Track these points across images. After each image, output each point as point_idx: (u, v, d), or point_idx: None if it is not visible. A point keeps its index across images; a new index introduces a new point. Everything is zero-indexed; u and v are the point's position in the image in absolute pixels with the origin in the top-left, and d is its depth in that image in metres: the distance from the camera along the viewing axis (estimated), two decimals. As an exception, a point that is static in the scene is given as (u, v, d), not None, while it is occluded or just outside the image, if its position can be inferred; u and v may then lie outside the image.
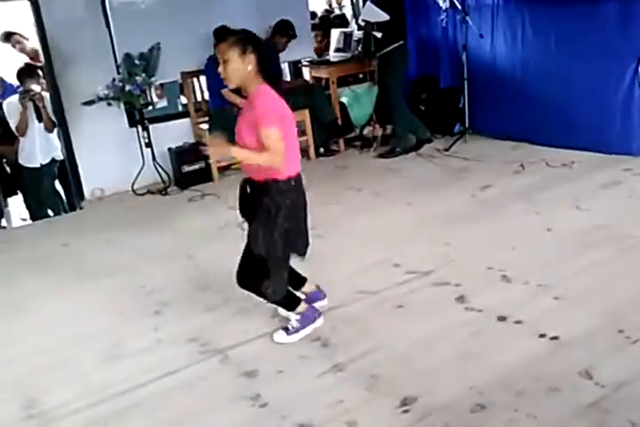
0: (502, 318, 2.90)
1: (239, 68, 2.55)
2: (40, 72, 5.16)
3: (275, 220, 2.64)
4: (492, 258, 3.48)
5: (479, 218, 4.08)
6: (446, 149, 5.56)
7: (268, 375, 2.68)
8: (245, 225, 2.84)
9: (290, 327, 2.91)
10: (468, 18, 5.46)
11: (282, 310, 3.03)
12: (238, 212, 2.86)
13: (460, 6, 5.51)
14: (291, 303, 2.92)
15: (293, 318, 2.91)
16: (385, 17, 5.27)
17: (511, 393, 2.39)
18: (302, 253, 2.85)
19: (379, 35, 5.39)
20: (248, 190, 2.75)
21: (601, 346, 2.63)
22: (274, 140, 2.52)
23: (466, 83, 5.60)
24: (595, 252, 3.46)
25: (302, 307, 2.92)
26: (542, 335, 2.74)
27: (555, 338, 2.71)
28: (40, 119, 5.02)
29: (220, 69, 2.58)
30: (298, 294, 3.01)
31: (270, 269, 2.71)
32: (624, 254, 3.41)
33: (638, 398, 2.29)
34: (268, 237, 2.66)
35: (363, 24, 5.67)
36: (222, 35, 2.69)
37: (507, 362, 2.59)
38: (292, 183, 2.66)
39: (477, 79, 5.61)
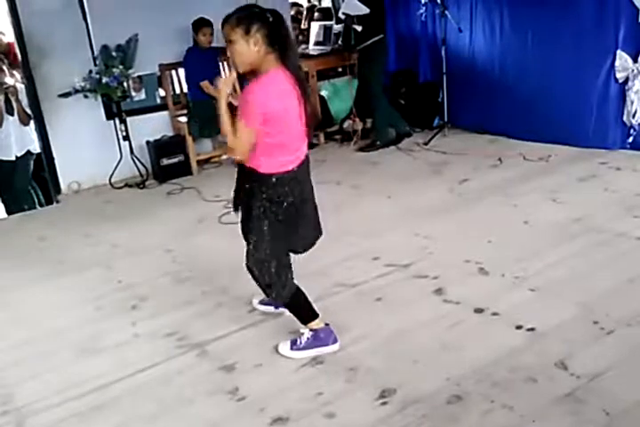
0: (479, 310, 2.93)
1: (245, 50, 2.32)
2: (8, 65, 5.07)
3: (255, 209, 2.51)
4: (469, 251, 3.51)
5: (457, 211, 4.11)
6: (425, 143, 5.59)
7: (246, 369, 2.67)
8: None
9: (297, 342, 2.72)
10: (447, 12, 5.49)
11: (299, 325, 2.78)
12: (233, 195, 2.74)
13: (439, 0, 5.52)
14: (303, 314, 2.72)
15: (306, 334, 2.71)
16: (365, 10, 5.26)
17: (488, 384, 2.41)
18: (300, 252, 2.76)
19: (359, 28, 5.38)
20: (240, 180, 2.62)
21: (576, 337, 2.66)
22: (242, 136, 2.36)
23: (445, 77, 5.62)
24: (571, 244, 3.50)
25: (317, 324, 2.71)
26: (519, 327, 2.76)
27: (531, 329, 2.74)
28: (12, 113, 4.94)
29: (229, 54, 2.39)
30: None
31: (250, 263, 2.59)
32: (599, 247, 3.45)
33: (612, 389, 2.32)
34: (255, 224, 2.54)
35: (343, 17, 5.66)
36: (224, 18, 2.41)
37: (484, 353, 2.61)
38: (273, 180, 2.47)
39: (456, 73, 5.64)
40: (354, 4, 5.30)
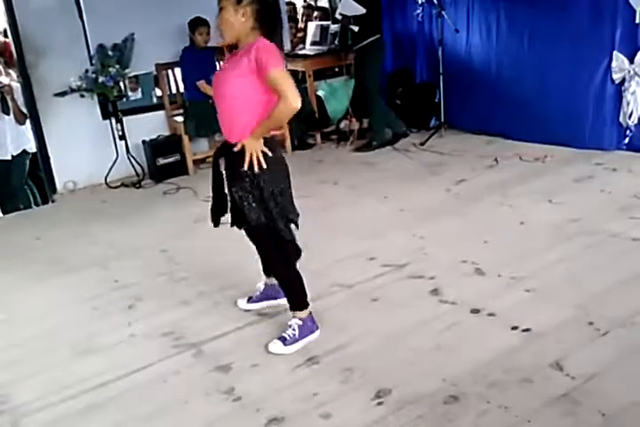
0: (475, 311, 2.93)
1: (232, 18, 2.39)
2: (4, 64, 5.05)
3: (260, 181, 2.48)
4: (465, 251, 3.51)
5: (454, 212, 4.11)
6: (422, 144, 5.59)
7: (242, 369, 2.67)
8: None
9: (287, 337, 2.73)
10: (444, 12, 5.49)
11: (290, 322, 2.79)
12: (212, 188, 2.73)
13: (435, 1, 5.53)
14: (299, 299, 2.75)
15: (294, 324, 2.74)
16: (362, 10, 5.27)
17: (483, 385, 2.42)
18: (296, 222, 2.72)
19: (355, 28, 5.38)
20: (222, 164, 2.59)
21: (572, 338, 2.67)
22: (288, 80, 2.34)
23: (441, 77, 5.62)
24: (567, 245, 3.51)
25: (306, 313, 2.77)
26: (514, 328, 2.77)
27: (527, 330, 2.74)
28: (7, 112, 4.93)
29: (218, 23, 2.44)
30: (265, 281, 3.01)
31: (280, 223, 2.57)
32: (595, 248, 3.45)
33: (608, 390, 2.33)
34: (261, 203, 2.52)
35: (340, 17, 5.66)
36: None
37: (479, 354, 2.61)
38: (275, 140, 2.54)
39: (453, 74, 5.64)
40: (350, 5, 5.31)
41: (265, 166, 2.46)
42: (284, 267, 2.72)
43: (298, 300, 2.78)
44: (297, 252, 2.75)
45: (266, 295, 3.06)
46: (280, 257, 2.70)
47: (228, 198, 2.63)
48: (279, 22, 2.48)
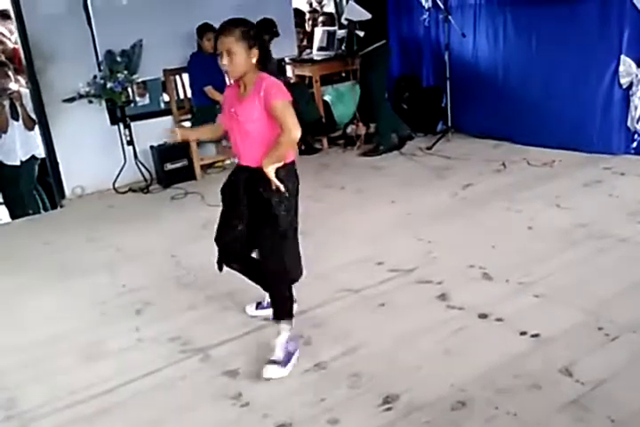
0: (483, 316, 2.92)
1: (244, 62, 2.50)
2: (13, 70, 5.08)
3: (288, 203, 2.60)
4: (473, 256, 3.50)
5: (461, 216, 4.10)
6: (429, 148, 5.58)
7: (249, 374, 2.66)
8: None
9: (277, 359, 2.63)
10: (450, 17, 5.49)
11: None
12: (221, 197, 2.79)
13: (442, 6, 5.54)
14: (287, 308, 2.72)
15: (281, 344, 2.66)
16: (367, 15, 5.27)
17: (492, 390, 2.41)
18: None
19: (361, 33, 5.39)
20: (241, 181, 2.67)
21: (581, 343, 2.65)
22: (289, 111, 2.46)
23: (448, 82, 5.62)
24: (575, 250, 3.49)
25: (291, 325, 2.71)
26: (523, 333, 2.75)
27: (535, 336, 2.73)
28: (17, 118, 4.96)
29: (225, 62, 2.51)
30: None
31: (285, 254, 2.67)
32: (604, 252, 3.44)
33: (617, 396, 2.31)
34: (286, 224, 2.63)
35: (345, 23, 5.67)
36: (223, 26, 2.57)
37: (488, 359, 2.60)
38: (293, 168, 2.63)
39: (459, 78, 5.64)
40: (356, 10, 5.32)
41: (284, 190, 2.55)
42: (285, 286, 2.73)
43: (287, 310, 2.74)
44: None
45: None
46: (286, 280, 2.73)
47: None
48: (269, 51, 2.62)
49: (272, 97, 2.47)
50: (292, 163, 2.63)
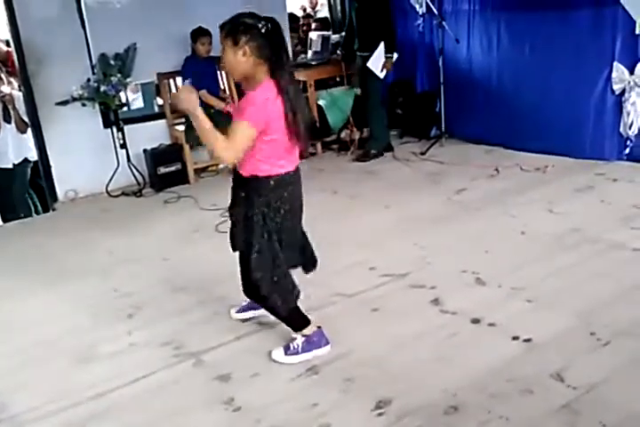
0: (476, 321, 2.92)
1: (233, 60, 2.39)
2: (6, 73, 5.07)
3: (253, 219, 2.50)
4: (466, 261, 3.51)
5: (454, 221, 4.11)
6: (422, 153, 5.60)
7: (242, 379, 2.66)
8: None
9: (291, 347, 2.73)
10: (444, 23, 5.52)
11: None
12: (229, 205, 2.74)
13: (436, 11, 5.56)
14: (295, 323, 2.74)
15: (299, 339, 2.73)
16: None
17: (484, 395, 2.41)
18: (296, 266, 2.75)
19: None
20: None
21: (573, 348, 2.66)
22: (238, 135, 2.33)
23: (442, 87, 5.65)
24: (567, 255, 3.51)
25: (310, 329, 2.73)
26: (515, 338, 2.76)
27: (527, 340, 2.74)
28: (9, 121, 4.94)
29: (222, 61, 2.46)
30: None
31: (256, 274, 2.56)
32: (596, 257, 3.45)
33: (609, 400, 2.32)
34: (249, 236, 2.53)
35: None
36: (223, 23, 2.46)
37: (480, 364, 2.60)
38: (271, 183, 2.48)
39: (453, 84, 5.66)
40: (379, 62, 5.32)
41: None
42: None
43: (296, 323, 2.75)
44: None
45: (251, 306, 3.03)
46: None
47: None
48: (282, 52, 2.42)
49: (237, 113, 2.41)
50: (274, 178, 2.49)
